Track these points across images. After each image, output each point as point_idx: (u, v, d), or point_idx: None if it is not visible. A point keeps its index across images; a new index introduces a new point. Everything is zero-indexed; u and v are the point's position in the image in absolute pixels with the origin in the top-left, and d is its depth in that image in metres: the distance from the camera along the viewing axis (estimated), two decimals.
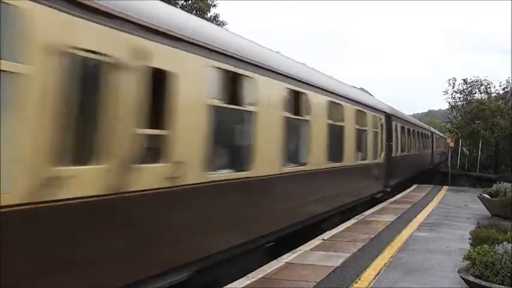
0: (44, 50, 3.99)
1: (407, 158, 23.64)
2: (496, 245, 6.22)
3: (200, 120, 6.01)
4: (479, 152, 31.99)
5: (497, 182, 15.18)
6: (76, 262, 4.39)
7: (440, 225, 11.93)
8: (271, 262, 7.58)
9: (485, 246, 6.24)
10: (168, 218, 5.51)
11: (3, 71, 3.65)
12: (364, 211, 13.62)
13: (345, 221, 11.85)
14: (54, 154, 4.09)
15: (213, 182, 6.24)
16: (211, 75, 6.33)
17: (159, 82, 5.26)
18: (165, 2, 6.56)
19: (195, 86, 5.98)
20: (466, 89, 39.24)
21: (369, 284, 6.51)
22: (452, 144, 31.35)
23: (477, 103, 35.94)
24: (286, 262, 7.62)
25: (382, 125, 16.66)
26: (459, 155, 32.98)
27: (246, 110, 7.18)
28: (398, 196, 18.93)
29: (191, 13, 26.01)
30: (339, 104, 11.39)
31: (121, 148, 4.80)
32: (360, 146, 13.67)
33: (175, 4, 26.57)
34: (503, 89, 38.12)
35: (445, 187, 24.55)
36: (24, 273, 3.89)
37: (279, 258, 7.81)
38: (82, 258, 4.44)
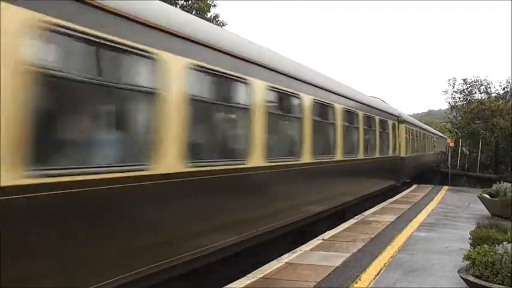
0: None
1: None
2: (496, 245, 6.21)
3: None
4: (479, 152, 32.02)
5: (497, 182, 15.17)
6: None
7: (441, 225, 11.92)
8: (271, 262, 7.58)
9: (485, 246, 6.23)
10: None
11: None
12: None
13: (345, 221, 11.89)
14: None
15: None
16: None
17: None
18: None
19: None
20: (466, 89, 39.39)
21: (369, 284, 6.51)
22: (452, 144, 31.39)
23: (477, 103, 36.00)
24: (286, 262, 7.61)
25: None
26: (459, 155, 33.02)
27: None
28: (398, 196, 18.95)
29: (191, 13, 26.01)
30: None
31: None
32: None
33: (175, 4, 26.54)
34: (503, 89, 38.24)
35: (445, 187, 24.57)
36: None
37: (279, 258, 7.80)
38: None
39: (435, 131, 43.21)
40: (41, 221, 3.92)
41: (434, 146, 37.40)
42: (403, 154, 20.61)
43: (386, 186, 17.96)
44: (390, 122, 18.12)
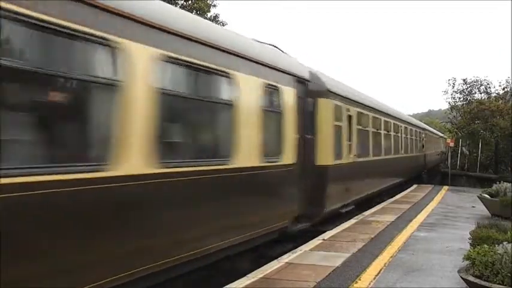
0: None
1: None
2: (496, 245, 6.21)
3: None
4: (479, 152, 32.02)
5: (497, 182, 15.18)
6: None
7: (441, 225, 11.93)
8: (272, 262, 7.58)
9: (485, 246, 6.24)
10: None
11: None
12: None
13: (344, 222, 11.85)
14: None
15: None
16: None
17: None
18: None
19: None
20: (466, 89, 39.34)
21: (369, 284, 6.51)
22: (452, 144, 31.40)
23: (477, 103, 36.00)
24: (286, 262, 7.62)
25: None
26: (459, 155, 33.02)
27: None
28: (398, 196, 18.95)
29: (191, 13, 26.00)
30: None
31: None
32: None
33: (175, 4, 26.55)
34: (503, 89, 38.20)
35: (445, 187, 24.57)
36: None
37: (279, 258, 7.81)
38: None
39: (424, 126, 33.15)
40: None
41: (423, 145, 28.61)
42: (326, 160, 10.40)
43: (244, 240, 7.32)
44: (261, 84, 7.81)
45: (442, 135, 45.49)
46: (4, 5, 3.67)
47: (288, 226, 8.78)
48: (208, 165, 6.39)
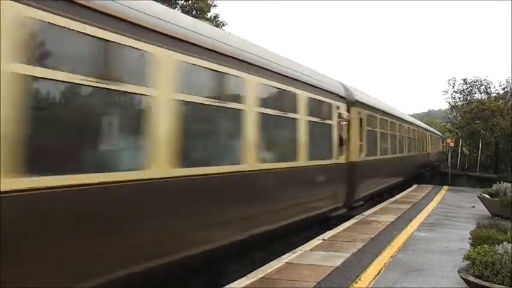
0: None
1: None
2: (496, 245, 6.21)
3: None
4: (479, 152, 32.05)
5: (497, 182, 15.17)
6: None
7: (441, 225, 11.93)
8: (271, 262, 7.58)
9: (485, 246, 6.24)
10: None
11: None
12: None
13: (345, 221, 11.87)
14: None
15: None
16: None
17: None
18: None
19: None
20: (466, 89, 39.39)
21: (369, 284, 6.51)
22: (452, 144, 31.41)
23: (477, 103, 36.04)
24: (286, 262, 7.61)
25: None
26: (459, 155, 33.05)
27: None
28: (398, 196, 18.96)
29: (191, 13, 25.99)
30: None
31: None
32: None
33: (175, 4, 26.54)
34: (503, 89, 38.26)
35: (445, 187, 24.56)
36: None
37: (279, 258, 7.81)
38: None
39: (381, 105, 18.13)
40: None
41: (342, 139, 11.97)
42: None
43: None
44: None
45: (427, 127, 34.38)
46: None
47: None
48: None
